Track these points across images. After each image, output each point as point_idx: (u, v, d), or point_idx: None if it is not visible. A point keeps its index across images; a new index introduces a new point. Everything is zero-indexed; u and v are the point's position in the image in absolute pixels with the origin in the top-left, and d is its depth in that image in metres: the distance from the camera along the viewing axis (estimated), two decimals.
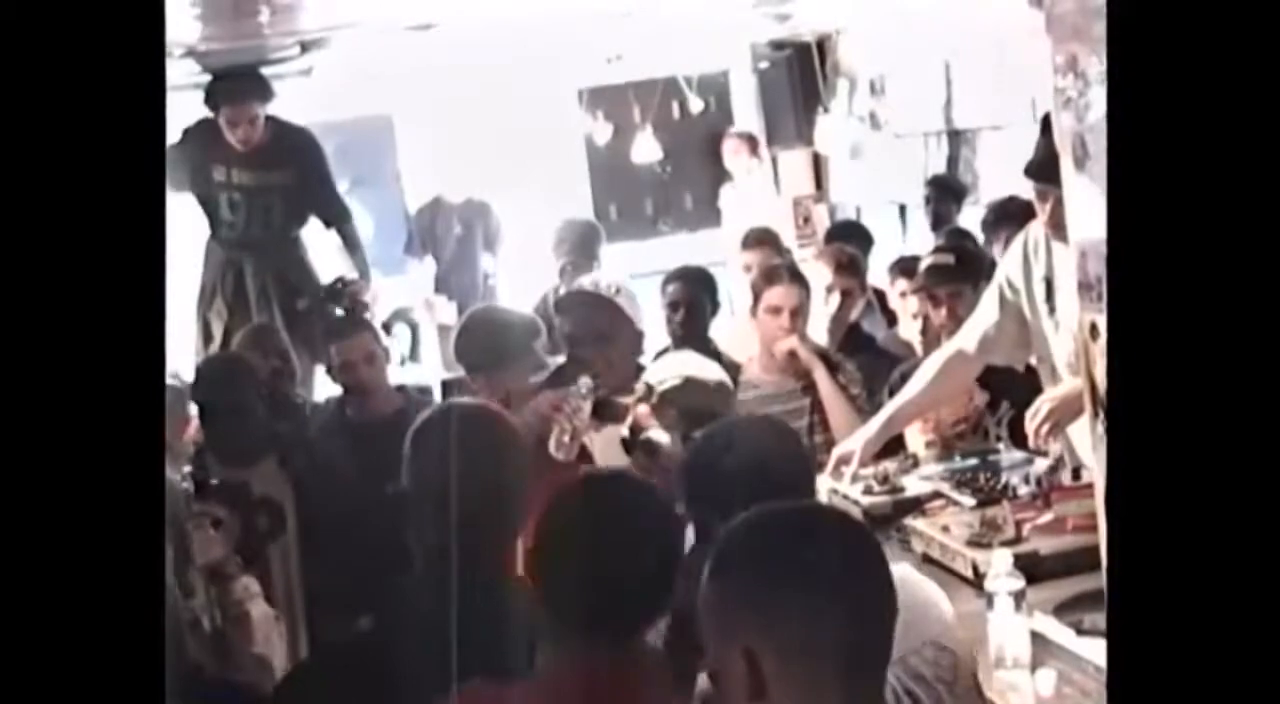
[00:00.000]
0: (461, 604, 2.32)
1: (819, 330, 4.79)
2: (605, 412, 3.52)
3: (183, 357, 5.68)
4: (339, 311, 5.58)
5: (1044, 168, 3.19)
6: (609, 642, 2.05)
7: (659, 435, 3.41)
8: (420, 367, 7.11)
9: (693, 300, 4.94)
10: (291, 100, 6.05)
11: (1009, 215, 5.58)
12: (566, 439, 3.34)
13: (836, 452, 3.80)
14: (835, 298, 4.97)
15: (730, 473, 2.50)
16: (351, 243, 6.09)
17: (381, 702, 2.42)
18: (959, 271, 4.38)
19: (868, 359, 4.71)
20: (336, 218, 6.08)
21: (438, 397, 5.46)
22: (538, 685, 2.16)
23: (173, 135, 5.60)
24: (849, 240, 6.01)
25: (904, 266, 5.24)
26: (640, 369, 3.78)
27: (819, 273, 4.99)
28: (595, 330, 3.75)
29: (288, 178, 5.88)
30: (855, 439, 3.80)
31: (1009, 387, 3.97)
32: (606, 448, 3.51)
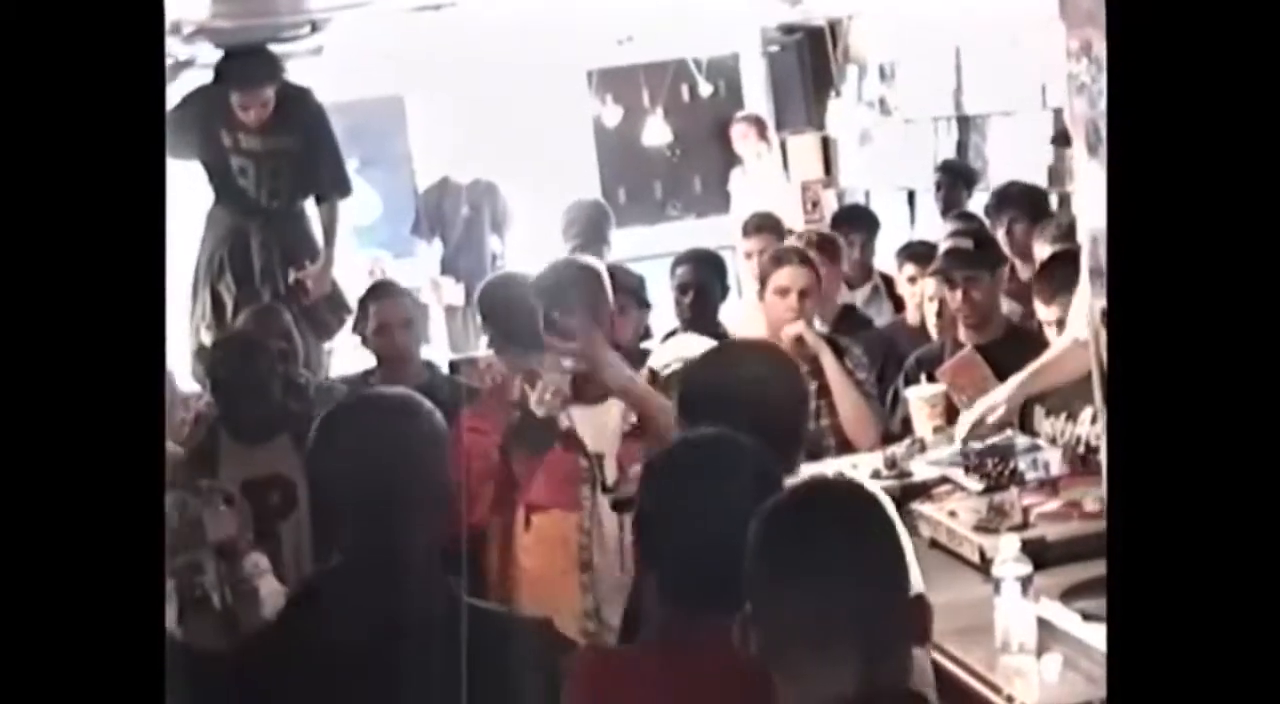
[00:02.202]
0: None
1: None
2: (584, 389, 3.47)
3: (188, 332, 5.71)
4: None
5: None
6: (722, 608, 1.91)
7: None
8: (429, 347, 7.10)
9: (702, 283, 4.93)
10: (302, 80, 6.02)
11: (1011, 199, 5.59)
12: (548, 395, 3.29)
13: (984, 403, 3.72)
14: None
15: (728, 390, 2.50)
16: (330, 225, 5.90)
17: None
18: (978, 256, 4.36)
19: (873, 343, 4.71)
20: (336, 187, 5.93)
21: None
22: (652, 656, 2.14)
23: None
24: (854, 224, 6.02)
25: (912, 252, 5.23)
26: (617, 347, 3.72)
27: None
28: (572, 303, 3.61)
29: (295, 143, 5.77)
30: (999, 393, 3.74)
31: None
32: (588, 427, 3.47)
